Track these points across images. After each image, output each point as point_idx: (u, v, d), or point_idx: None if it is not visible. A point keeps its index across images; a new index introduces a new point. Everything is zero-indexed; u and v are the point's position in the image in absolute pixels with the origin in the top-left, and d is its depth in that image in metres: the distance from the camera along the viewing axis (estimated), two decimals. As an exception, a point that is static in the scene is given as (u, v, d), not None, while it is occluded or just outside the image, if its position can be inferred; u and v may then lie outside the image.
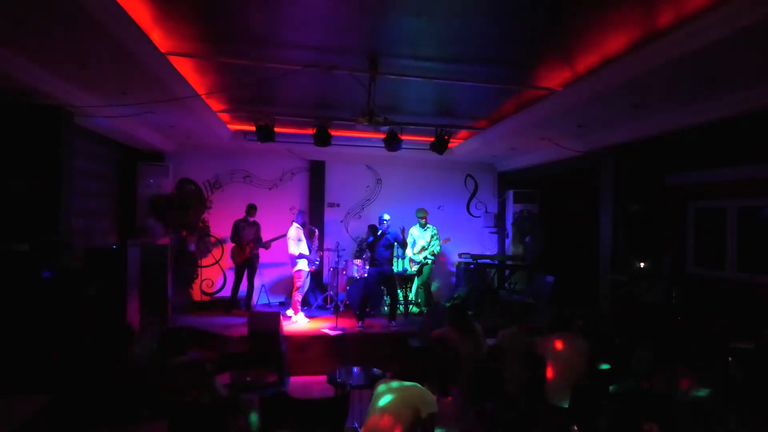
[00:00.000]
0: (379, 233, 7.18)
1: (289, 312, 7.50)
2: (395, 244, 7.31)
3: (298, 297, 7.51)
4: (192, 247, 8.37)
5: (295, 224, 7.60)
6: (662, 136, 5.97)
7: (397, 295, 7.64)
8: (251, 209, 7.98)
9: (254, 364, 4.88)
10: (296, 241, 7.48)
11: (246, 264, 7.93)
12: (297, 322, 7.35)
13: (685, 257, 7.33)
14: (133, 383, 3.51)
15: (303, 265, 7.52)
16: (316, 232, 8.17)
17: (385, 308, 7.75)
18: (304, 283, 7.59)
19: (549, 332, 4.49)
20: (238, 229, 7.87)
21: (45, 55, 4.14)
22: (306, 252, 7.54)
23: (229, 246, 8.13)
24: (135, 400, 3.49)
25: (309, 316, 7.60)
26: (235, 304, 7.99)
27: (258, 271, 8.18)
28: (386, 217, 7.30)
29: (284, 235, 7.81)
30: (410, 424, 3.00)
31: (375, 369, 4.76)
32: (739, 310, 5.88)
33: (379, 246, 7.17)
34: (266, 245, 8.00)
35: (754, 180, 6.34)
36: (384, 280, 7.30)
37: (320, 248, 8.30)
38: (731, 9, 3.25)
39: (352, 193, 9.62)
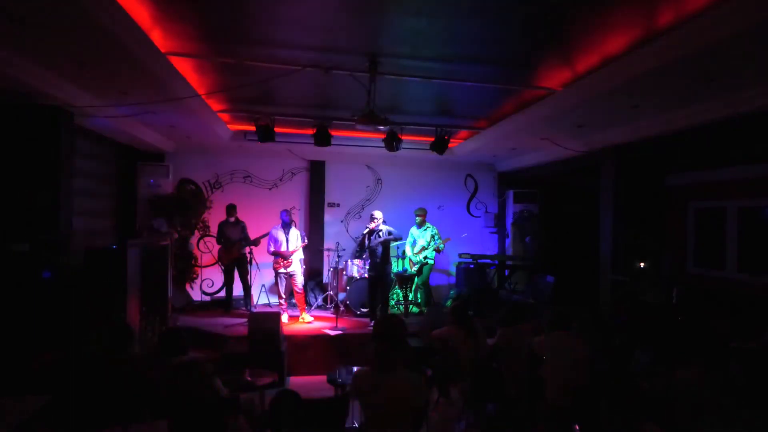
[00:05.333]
0: (366, 231, 7.17)
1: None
2: (388, 241, 7.21)
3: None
4: (192, 247, 8.36)
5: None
6: (662, 136, 5.97)
7: (388, 296, 7.63)
8: (231, 209, 7.95)
9: (254, 364, 4.88)
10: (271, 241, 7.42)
11: (234, 264, 7.93)
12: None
13: (685, 257, 7.32)
14: (133, 383, 3.51)
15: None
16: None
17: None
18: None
19: (549, 332, 4.49)
20: (222, 230, 7.87)
21: (45, 55, 4.13)
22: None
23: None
24: (135, 400, 3.49)
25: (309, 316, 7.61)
26: (231, 304, 7.99)
27: (259, 271, 8.17)
28: (377, 215, 7.22)
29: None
30: (410, 415, 3.00)
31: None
32: (739, 310, 5.87)
33: (372, 244, 7.16)
34: (255, 242, 7.92)
35: (754, 180, 6.33)
36: (378, 280, 7.27)
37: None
38: (731, 9, 3.25)
39: (352, 193, 9.62)
